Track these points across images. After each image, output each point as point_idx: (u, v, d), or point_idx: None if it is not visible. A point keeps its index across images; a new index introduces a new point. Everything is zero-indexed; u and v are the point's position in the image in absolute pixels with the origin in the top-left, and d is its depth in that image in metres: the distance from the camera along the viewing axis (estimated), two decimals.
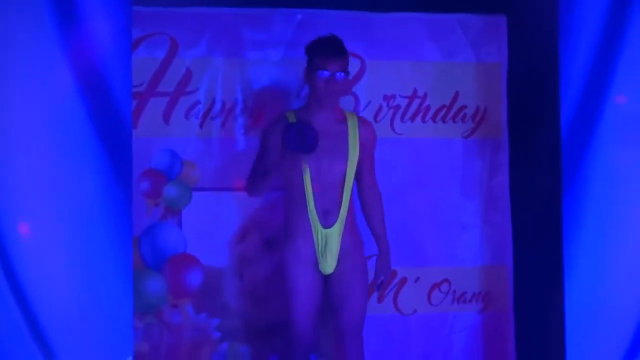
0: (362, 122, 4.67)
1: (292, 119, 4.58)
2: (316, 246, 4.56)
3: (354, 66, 4.85)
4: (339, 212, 4.57)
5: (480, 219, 5.13)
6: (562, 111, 4.47)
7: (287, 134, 4.42)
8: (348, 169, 4.58)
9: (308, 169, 4.52)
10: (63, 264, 3.83)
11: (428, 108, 5.07)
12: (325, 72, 4.50)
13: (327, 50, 4.53)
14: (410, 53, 5.07)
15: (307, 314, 4.55)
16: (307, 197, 4.54)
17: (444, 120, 5.09)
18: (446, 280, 5.09)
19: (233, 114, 4.91)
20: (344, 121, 4.63)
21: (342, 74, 4.54)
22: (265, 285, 4.94)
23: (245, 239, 4.94)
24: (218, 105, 4.89)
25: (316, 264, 4.57)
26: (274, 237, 4.88)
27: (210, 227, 4.88)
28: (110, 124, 3.87)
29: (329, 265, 4.57)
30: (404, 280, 5.03)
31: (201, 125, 4.88)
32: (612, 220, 4.48)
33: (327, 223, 4.56)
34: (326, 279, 4.61)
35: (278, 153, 4.54)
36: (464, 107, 5.10)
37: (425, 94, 5.07)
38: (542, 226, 4.93)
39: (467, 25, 5.12)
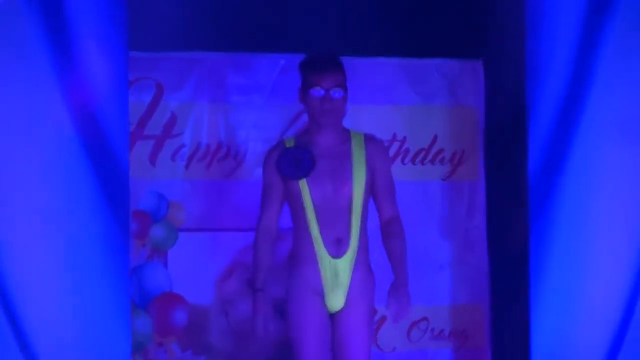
0: (368, 139, 4.27)
1: (290, 144, 4.25)
2: (323, 278, 4.15)
3: None
4: (349, 241, 4.15)
5: (458, 259, 5.27)
6: (529, 154, 4.55)
7: (281, 160, 4.18)
8: (354, 192, 4.18)
9: (309, 195, 4.14)
10: (62, 302, 3.91)
11: (407, 151, 5.22)
12: (319, 90, 4.13)
13: (320, 66, 4.15)
14: (389, 97, 5.22)
15: (317, 354, 4.13)
16: (309, 225, 4.15)
17: (422, 162, 5.24)
18: (425, 318, 5.22)
19: (218, 156, 5.04)
20: (347, 141, 4.24)
21: (339, 91, 4.15)
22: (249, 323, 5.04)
23: (229, 278, 5.05)
24: (203, 148, 5.03)
25: (322, 299, 4.16)
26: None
27: (196, 267, 4.99)
28: (107, 166, 3.97)
29: (338, 300, 4.16)
30: (384, 319, 5.15)
31: (187, 167, 5.01)
32: (578, 259, 4.55)
33: (338, 253, 4.15)
34: (332, 316, 4.22)
35: (278, 182, 4.21)
36: (442, 150, 5.26)
37: (405, 137, 5.21)
38: (515, 266, 5.06)
39: (444, 70, 5.28)
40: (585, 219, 4.55)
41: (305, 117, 4.70)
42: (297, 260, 4.17)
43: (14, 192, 3.89)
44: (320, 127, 4.17)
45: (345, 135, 4.24)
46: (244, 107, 5.09)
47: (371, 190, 4.21)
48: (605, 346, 4.51)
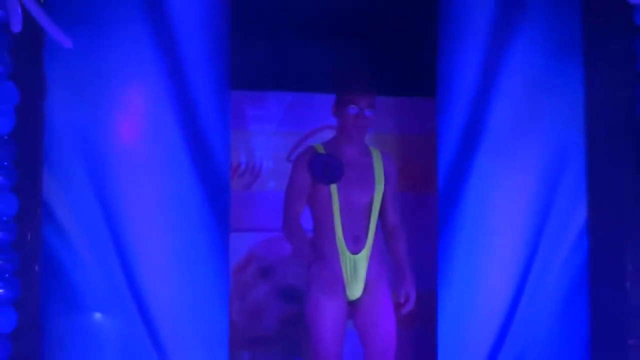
0: (384, 155, 4.79)
1: (320, 150, 4.68)
2: (344, 272, 4.57)
3: None
4: (366, 238, 4.61)
5: None
6: (439, 163, 5.24)
7: (313, 165, 4.55)
8: (375, 198, 4.64)
9: (337, 199, 4.57)
10: (175, 291, 4.93)
11: None
12: (354, 109, 4.61)
13: (357, 87, 4.66)
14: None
15: (335, 343, 4.51)
16: (335, 225, 4.57)
17: None
18: None
19: (238, 172, 5.83)
20: (369, 154, 4.73)
21: (371, 110, 4.64)
22: (261, 305, 5.82)
23: (245, 269, 5.89)
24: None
25: (343, 290, 4.59)
26: (270, 266, 5.64)
27: None
28: (211, 178, 4.96)
29: (357, 290, 4.61)
30: None
31: None
32: (480, 255, 5.15)
33: (356, 249, 4.59)
34: (352, 306, 4.65)
35: (306, 183, 4.62)
36: None
37: None
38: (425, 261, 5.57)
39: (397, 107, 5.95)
40: (485, 220, 5.16)
41: (306, 140, 5.60)
42: (321, 255, 4.57)
43: (141, 199, 4.86)
44: (350, 139, 4.66)
45: (367, 149, 4.76)
46: (258, 134, 5.88)
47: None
48: (499, 327, 5.19)
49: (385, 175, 4.72)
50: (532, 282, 5.28)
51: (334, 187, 4.58)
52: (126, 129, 4.92)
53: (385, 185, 4.71)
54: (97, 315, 4.89)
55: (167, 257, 4.94)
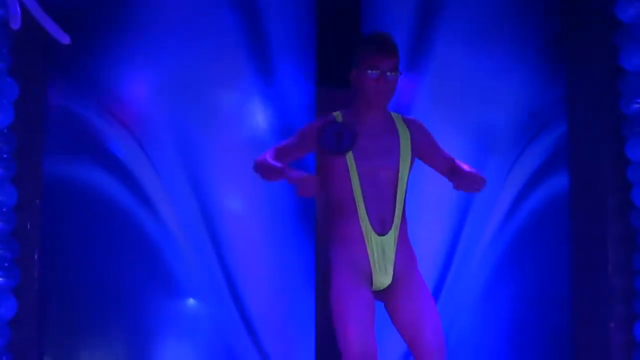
0: (407, 120, 4.14)
1: (339, 118, 4.08)
2: (371, 256, 3.92)
3: None
4: (393, 218, 3.97)
5: None
6: None
7: (323, 134, 3.99)
8: (401, 169, 4.01)
9: (356, 172, 3.96)
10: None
11: None
12: (375, 72, 4.00)
13: (377, 48, 4.03)
14: None
15: (366, 336, 3.82)
16: (356, 202, 3.94)
17: None
18: None
19: None
20: (391, 121, 4.11)
21: (394, 73, 4.02)
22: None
23: None
24: None
25: (369, 277, 3.92)
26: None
27: None
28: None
29: (387, 276, 3.93)
30: None
31: None
32: None
33: (383, 230, 3.94)
34: (384, 299, 3.98)
35: (311, 149, 4.08)
36: None
37: None
38: None
39: None
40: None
41: None
42: (342, 238, 3.95)
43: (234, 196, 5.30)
44: (371, 106, 4.03)
45: (389, 116, 4.12)
46: None
47: (413, 166, 4.07)
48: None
49: (413, 141, 4.07)
50: (456, 268, 5.55)
51: (351, 160, 3.97)
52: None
53: (417, 151, 4.08)
54: (192, 301, 5.24)
55: (257, 247, 5.36)
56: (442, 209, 5.53)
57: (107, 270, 5.19)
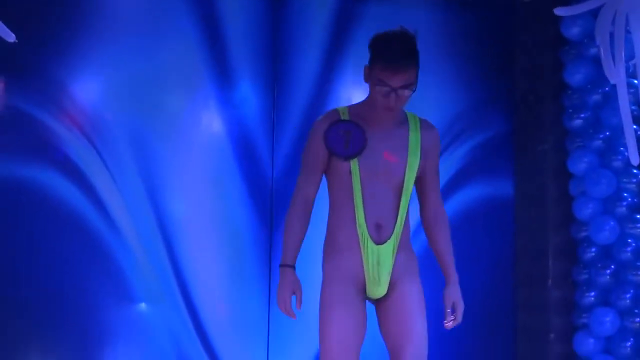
0: (424, 124, 3.77)
1: (344, 115, 3.71)
2: (365, 265, 3.63)
3: None
4: (394, 226, 3.67)
5: None
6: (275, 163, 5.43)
7: (331, 133, 3.65)
8: (406, 176, 3.68)
9: (359, 176, 3.63)
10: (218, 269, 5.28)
11: None
12: (385, 88, 3.58)
13: (391, 61, 3.56)
14: None
15: (351, 350, 3.58)
16: (355, 207, 3.64)
17: None
18: None
19: None
20: (404, 122, 3.75)
21: (407, 90, 3.59)
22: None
23: None
24: None
25: (364, 288, 3.66)
26: None
27: None
28: (255, 179, 5.31)
29: (382, 287, 3.66)
30: None
31: None
32: None
33: (380, 238, 3.65)
34: (376, 306, 3.74)
35: (322, 154, 3.68)
36: None
37: None
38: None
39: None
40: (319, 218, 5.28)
41: None
42: (337, 244, 3.69)
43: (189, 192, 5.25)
44: (380, 113, 3.67)
45: (404, 116, 3.77)
46: None
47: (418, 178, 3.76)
48: None
49: (423, 148, 3.73)
50: None
51: (355, 163, 3.64)
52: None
53: (422, 160, 3.73)
54: (144, 306, 5.19)
55: (210, 250, 5.32)
56: None
57: (57, 274, 5.10)
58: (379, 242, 3.65)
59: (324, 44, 5.56)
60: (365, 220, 3.65)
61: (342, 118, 3.70)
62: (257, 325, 5.36)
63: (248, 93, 5.41)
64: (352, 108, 3.76)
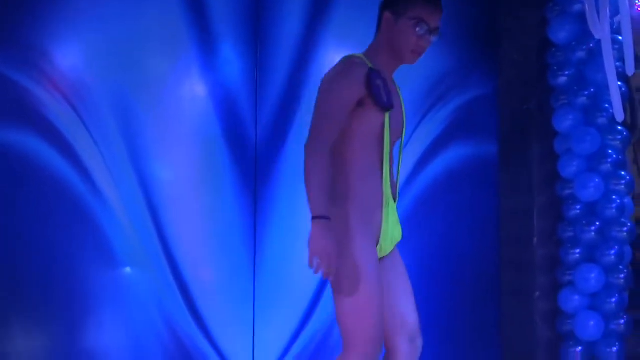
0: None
1: (369, 64, 3.49)
2: (385, 224, 3.51)
3: None
4: (397, 183, 3.62)
5: None
6: (257, 127, 5.38)
7: (372, 80, 3.38)
8: (403, 134, 3.64)
9: (389, 132, 3.45)
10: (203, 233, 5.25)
11: None
12: (424, 27, 3.45)
13: (434, 1, 3.48)
14: None
15: (381, 310, 3.44)
16: (383, 164, 3.47)
17: None
18: None
19: None
20: (394, 84, 3.64)
21: (438, 34, 3.51)
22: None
23: None
24: None
25: (377, 243, 3.52)
26: None
27: None
28: (238, 144, 5.28)
29: (390, 246, 3.58)
30: None
31: None
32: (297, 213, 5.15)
33: (395, 196, 3.57)
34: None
35: (353, 102, 3.42)
36: None
37: None
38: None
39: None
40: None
41: None
42: (362, 199, 3.48)
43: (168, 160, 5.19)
44: (401, 61, 3.55)
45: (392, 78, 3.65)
46: None
47: None
48: (316, 280, 5.27)
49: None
50: None
51: (387, 120, 3.45)
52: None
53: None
54: (129, 270, 5.17)
55: (194, 214, 5.28)
56: None
57: (41, 239, 5.08)
58: (395, 199, 3.56)
59: (307, 5, 5.51)
60: (390, 179, 3.53)
61: (370, 67, 3.48)
62: (242, 288, 5.34)
63: (231, 56, 5.36)
64: (368, 57, 3.54)
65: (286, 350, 5.41)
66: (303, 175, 3.40)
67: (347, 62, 3.48)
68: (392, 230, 3.53)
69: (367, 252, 3.43)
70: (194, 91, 5.31)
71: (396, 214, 3.57)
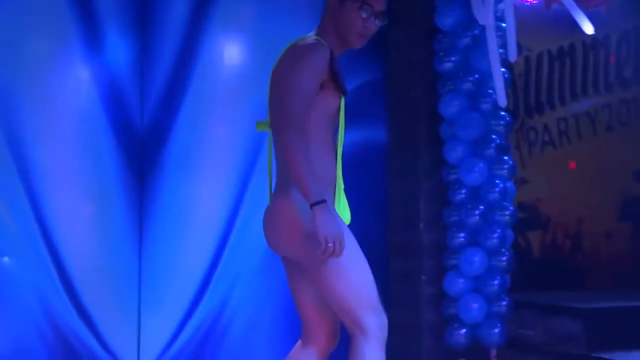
0: None
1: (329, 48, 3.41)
2: (336, 204, 3.45)
3: None
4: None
5: None
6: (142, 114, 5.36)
7: (337, 64, 3.34)
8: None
9: (344, 115, 3.43)
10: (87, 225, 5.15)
11: None
12: (368, 10, 3.42)
13: None
14: None
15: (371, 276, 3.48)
16: (337, 150, 3.47)
17: None
18: None
19: None
20: None
21: (384, 20, 3.49)
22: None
23: None
24: None
25: None
26: None
27: None
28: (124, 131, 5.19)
29: None
30: None
31: None
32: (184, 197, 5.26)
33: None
34: None
35: (317, 85, 3.34)
36: None
37: None
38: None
39: None
40: (190, 166, 5.30)
41: None
42: (323, 181, 3.40)
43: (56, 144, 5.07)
44: (346, 46, 3.50)
45: None
46: None
47: None
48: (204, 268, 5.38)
49: None
50: (237, 233, 5.51)
51: (343, 102, 3.41)
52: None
53: None
54: (7, 260, 5.02)
55: (77, 201, 5.17)
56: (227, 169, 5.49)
57: None
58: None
59: None
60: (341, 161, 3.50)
61: (330, 49, 3.43)
62: (128, 277, 5.27)
63: (116, 39, 5.26)
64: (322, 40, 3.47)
65: (173, 339, 5.36)
66: (277, 155, 3.34)
67: (312, 43, 3.39)
68: (342, 213, 3.46)
69: (354, 242, 3.41)
70: (78, 75, 5.18)
71: (345, 196, 3.50)
